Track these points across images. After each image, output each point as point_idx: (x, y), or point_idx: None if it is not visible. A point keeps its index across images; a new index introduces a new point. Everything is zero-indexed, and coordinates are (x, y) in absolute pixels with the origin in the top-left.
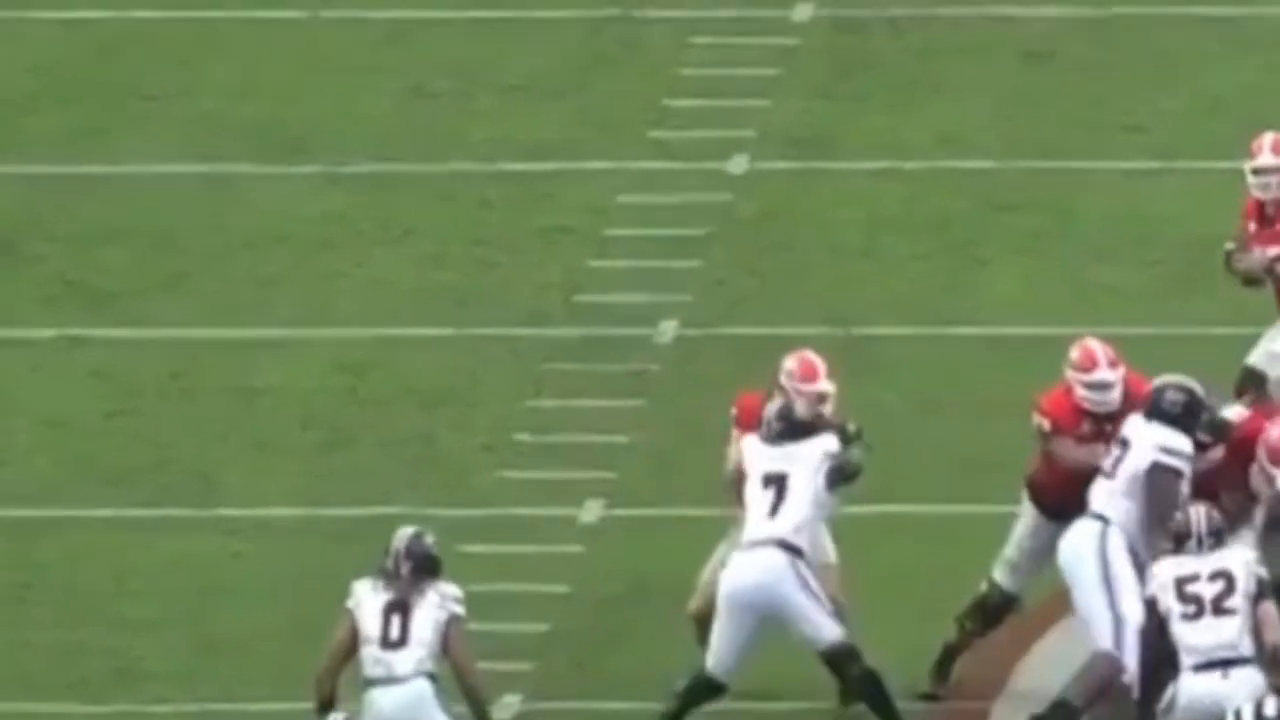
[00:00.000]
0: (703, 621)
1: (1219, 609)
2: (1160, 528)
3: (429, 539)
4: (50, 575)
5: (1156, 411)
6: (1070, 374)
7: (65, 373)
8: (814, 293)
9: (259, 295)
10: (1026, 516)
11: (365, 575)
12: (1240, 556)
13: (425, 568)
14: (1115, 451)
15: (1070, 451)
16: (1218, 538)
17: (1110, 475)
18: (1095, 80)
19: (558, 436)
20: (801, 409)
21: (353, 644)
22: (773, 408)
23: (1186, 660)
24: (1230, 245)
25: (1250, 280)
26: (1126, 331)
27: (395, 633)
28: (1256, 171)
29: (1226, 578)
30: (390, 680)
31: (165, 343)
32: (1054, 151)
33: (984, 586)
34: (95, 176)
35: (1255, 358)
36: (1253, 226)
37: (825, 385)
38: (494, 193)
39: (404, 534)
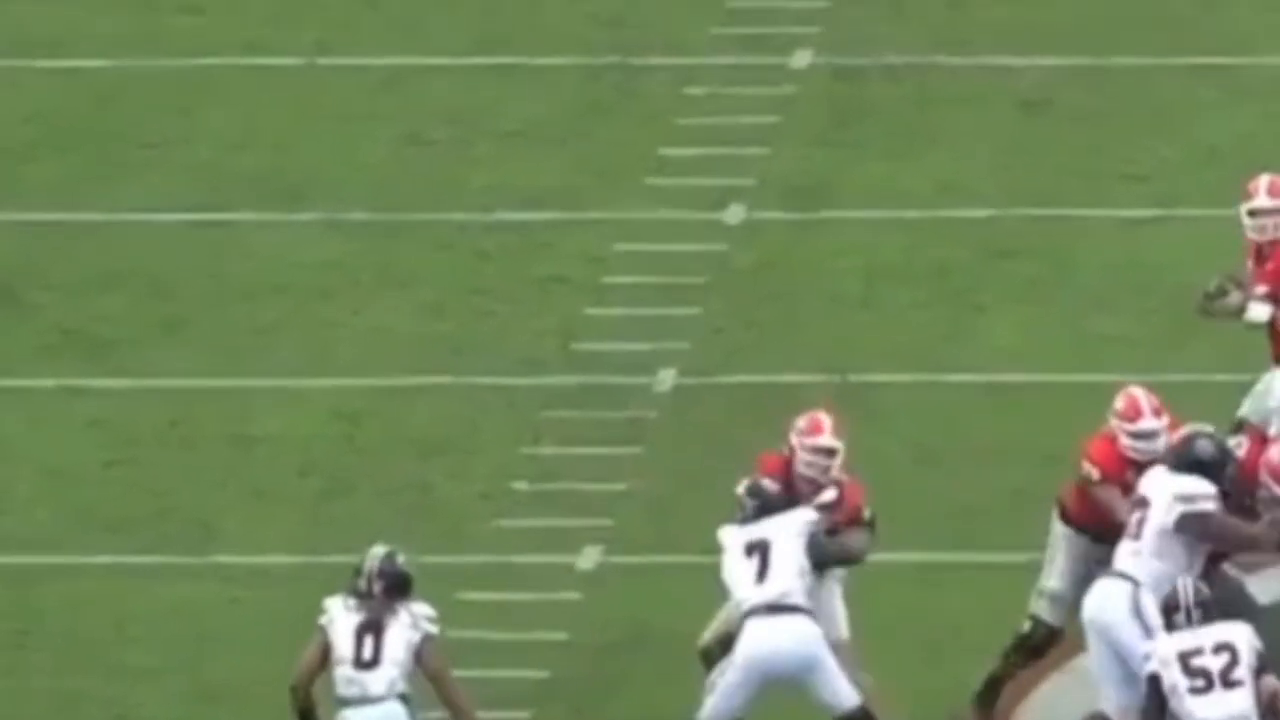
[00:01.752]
0: (709, 659)
1: (1227, 681)
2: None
3: (401, 559)
4: (49, 623)
5: (1186, 461)
6: (1115, 423)
7: (64, 422)
8: (812, 341)
9: (257, 343)
10: (1063, 544)
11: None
12: (1240, 631)
13: (398, 587)
14: (1136, 513)
15: (1117, 502)
16: (1205, 610)
17: (1136, 536)
18: (1093, 129)
19: (555, 484)
20: (803, 467)
21: (323, 660)
22: (742, 488)
23: None
24: (1210, 287)
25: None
26: (1125, 379)
27: (368, 653)
28: (1253, 214)
29: (1230, 650)
30: (364, 700)
31: (164, 391)
32: (1052, 200)
33: (1026, 626)
34: (93, 224)
35: (1246, 409)
36: (1250, 265)
37: (828, 440)
38: (491, 241)
39: (376, 554)
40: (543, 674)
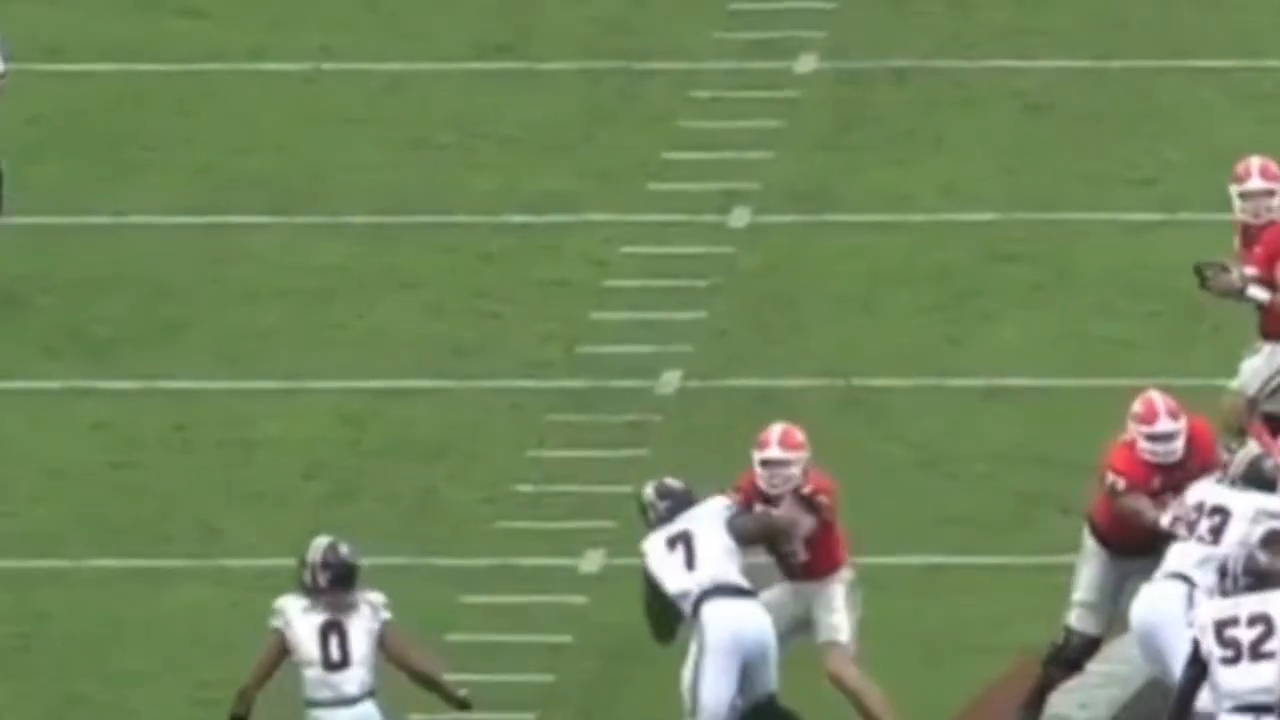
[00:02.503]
0: None
1: (1256, 653)
2: None
3: (344, 548)
4: (51, 625)
5: (1255, 478)
6: (1132, 427)
7: (67, 424)
8: (815, 344)
9: (260, 346)
10: (1093, 557)
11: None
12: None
13: (343, 577)
14: (1206, 520)
15: (1146, 510)
16: (1255, 579)
17: (1208, 542)
18: (1096, 132)
19: (559, 487)
20: (760, 481)
21: (278, 662)
22: (649, 490)
23: (1224, 704)
24: (1206, 268)
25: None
26: (1128, 383)
27: (336, 654)
28: (1244, 196)
29: (1265, 622)
30: (340, 702)
31: (167, 394)
32: (1055, 203)
33: (1061, 637)
34: (97, 227)
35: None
36: (1237, 242)
37: (772, 453)
38: (495, 244)
39: (319, 545)
40: (547, 677)
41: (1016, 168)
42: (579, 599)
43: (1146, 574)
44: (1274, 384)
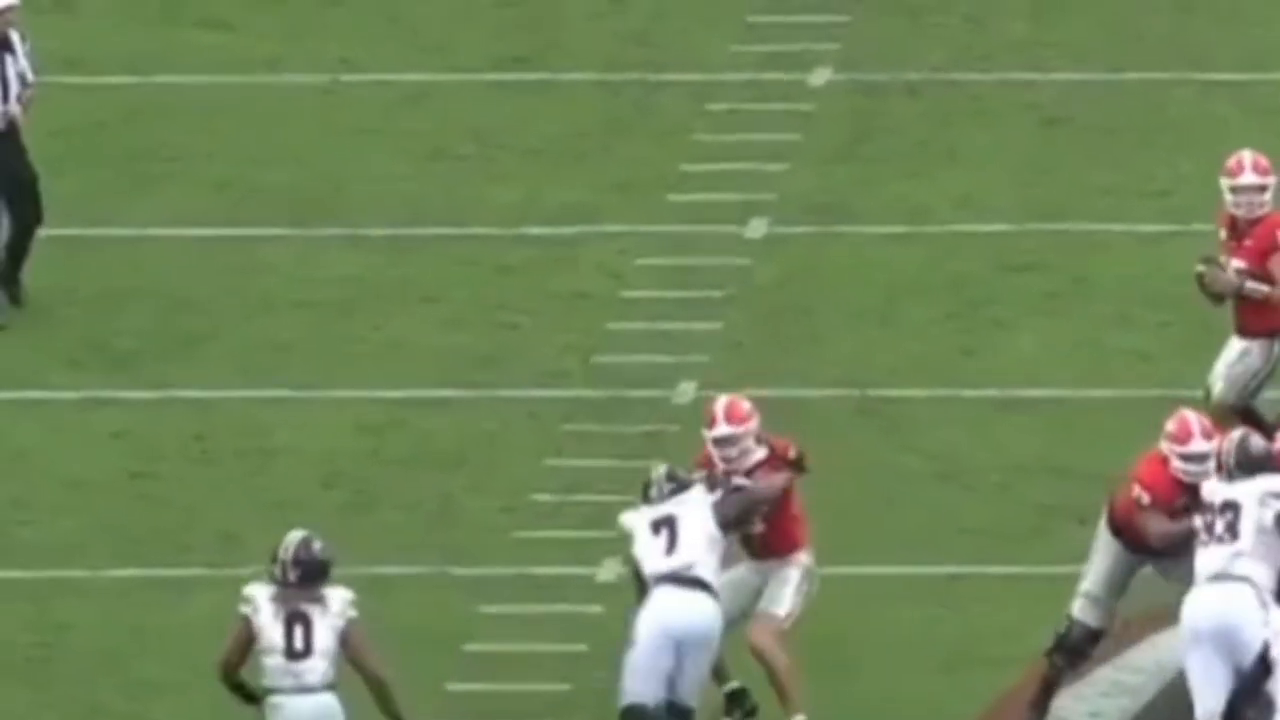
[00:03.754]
0: None
1: None
2: None
3: (317, 545)
4: (71, 635)
5: (1249, 462)
6: (1166, 445)
7: (87, 434)
8: (832, 355)
9: (279, 357)
10: (1106, 549)
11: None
12: None
13: (313, 573)
14: (1221, 519)
15: (1163, 526)
16: None
17: (1229, 539)
18: (1111, 144)
19: (576, 496)
20: (717, 461)
21: (247, 649)
22: (662, 470)
23: None
24: (1200, 266)
25: (1220, 300)
26: (1143, 394)
27: (299, 644)
28: (1235, 190)
29: None
30: (300, 690)
31: (187, 404)
32: (1071, 215)
33: (1063, 625)
34: (117, 239)
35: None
36: (1223, 234)
37: (720, 430)
38: (514, 256)
39: (292, 540)
40: (564, 686)
41: (1031, 179)
42: (595, 608)
43: (1160, 572)
44: (1251, 387)
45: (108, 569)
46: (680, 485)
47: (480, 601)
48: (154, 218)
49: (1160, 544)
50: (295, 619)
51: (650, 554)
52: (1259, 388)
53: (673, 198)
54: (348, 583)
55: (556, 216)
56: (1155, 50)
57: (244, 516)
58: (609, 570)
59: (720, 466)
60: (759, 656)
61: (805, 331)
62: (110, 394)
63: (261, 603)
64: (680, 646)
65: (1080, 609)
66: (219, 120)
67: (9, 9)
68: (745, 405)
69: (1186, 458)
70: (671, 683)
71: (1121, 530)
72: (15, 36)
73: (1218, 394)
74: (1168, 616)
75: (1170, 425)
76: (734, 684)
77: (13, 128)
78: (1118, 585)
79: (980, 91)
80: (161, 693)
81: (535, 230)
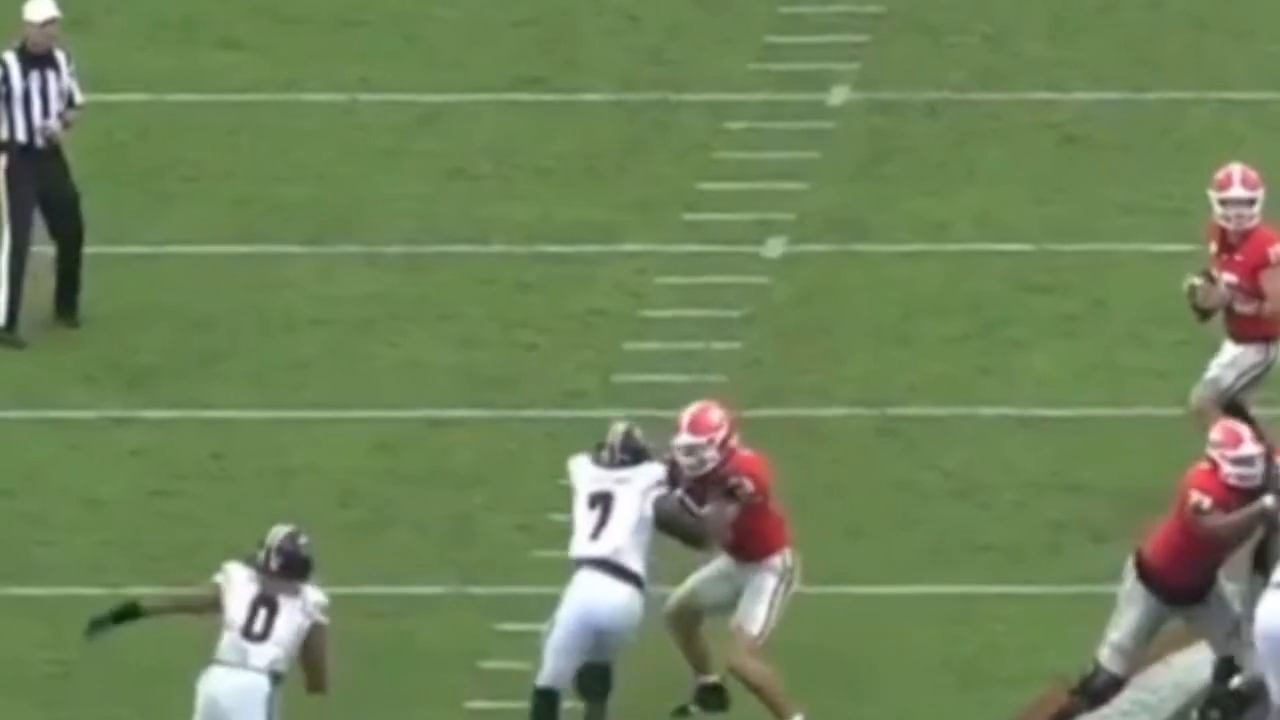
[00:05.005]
0: (675, 628)
1: None
2: None
3: (303, 540)
4: (91, 654)
5: None
6: (1215, 453)
7: (105, 452)
8: (850, 374)
9: (297, 375)
10: (1137, 601)
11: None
12: None
13: (293, 567)
14: None
15: (1227, 519)
16: None
17: None
18: (1128, 163)
19: None
20: (682, 467)
21: (200, 609)
22: (621, 430)
23: None
24: (1195, 280)
25: (1207, 315)
26: (1160, 413)
27: (259, 626)
28: (1224, 203)
29: None
30: (241, 666)
31: (205, 423)
32: (1089, 234)
33: (1090, 668)
34: (135, 257)
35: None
36: (1213, 247)
37: (682, 439)
38: (532, 274)
39: (279, 532)
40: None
41: (1049, 198)
42: None
43: (1189, 622)
44: (1249, 377)
45: (126, 587)
46: (634, 456)
47: (498, 620)
48: (172, 236)
49: (1233, 536)
50: (263, 602)
51: (579, 532)
52: (1254, 380)
53: (691, 217)
54: (365, 601)
55: (574, 235)
56: (1173, 69)
57: (261, 534)
58: None
59: (684, 472)
60: (736, 675)
61: (823, 350)
62: (128, 412)
63: (236, 579)
64: (600, 635)
65: (1108, 658)
66: (237, 139)
67: (50, 21)
68: (714, 416)
69: (1238, 461)
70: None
71: (1159, 572)
72: (61, 56)
73: (1213, 375)
74: (1186, 637)
75: (1216, 434)
76: (713, 678)
77: (55, 146)
78: (1146, 636)
79: (999, 111)
80: (181, 712)
81: (553, 249)
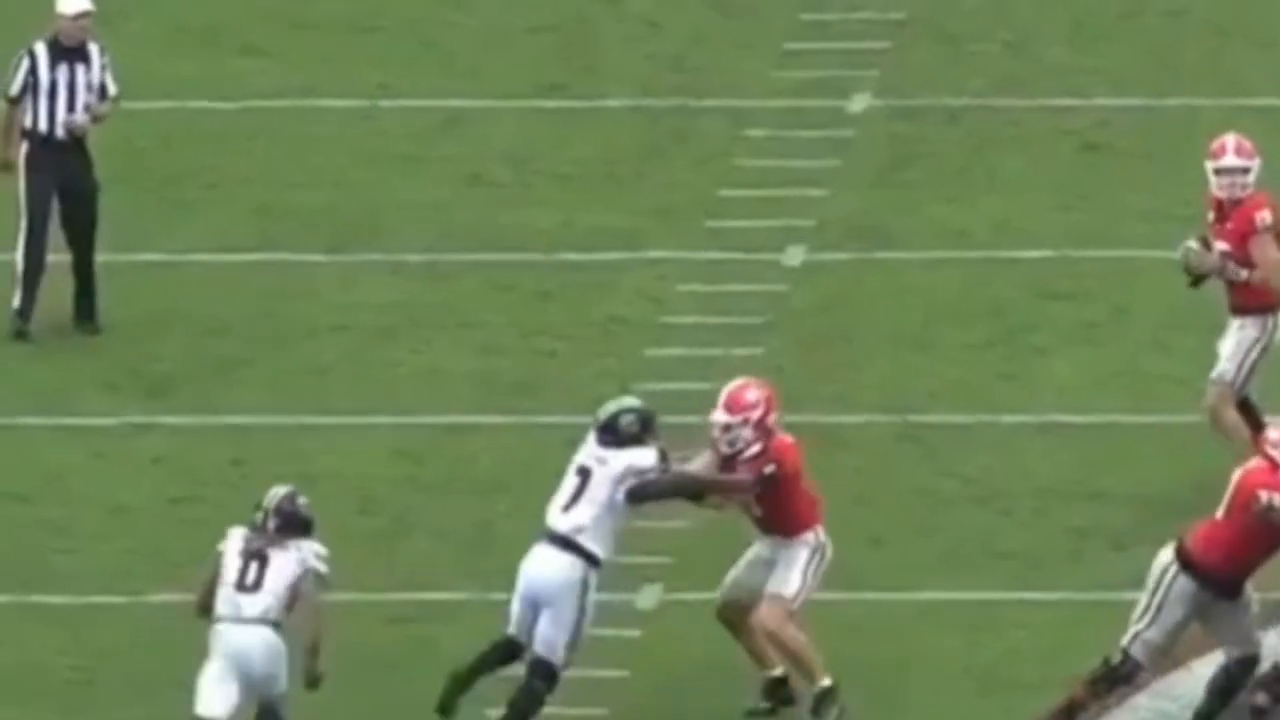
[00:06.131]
0: (728, 624)
1: None
2: None
3: (301, 500)
4: (112, 661)
5: None
6: (1276, 452)
7: (127, 459)
8: (870, 381)
9: (318, 382)
10: (1184, 598)
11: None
12: None
13: (291, 526)
14: None
15: None
16: None
17: None
18: (1149, 170)
19: None
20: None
21: (215, 587)
22: (611, 409)
23: None
24: (1191, 244)
25: (1199, 280)
26: (1182, 420)
27: (251, 578)
28: (1218, 172)
29: None
30: (237, 620)
31: (225, 430)
32: (1109, 240)
33: (1116, 657)
34: (156, 264)
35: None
36: (1210, 216)
37: (717, 417)
38: (551, 282)
39: (277, 493)
40: (602, 711)
41: (1070, 205)
42: (634, 633)
43: (1207, 617)
44: (1251, 360)
45: (148, 594)
46: (616, 438)
47: None
48: (192, 243)
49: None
50: (254, 556)
51: (556, 498)
52: (1257, 361)
53: (711, 224)
54: (385, 608)
55: (594, 242)
56: (1192, 76)
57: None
58: (648, 596)
59: (720, 450)
60: (768, 638)
61: (844, 357)
62: (149, 419)
63: (234, 541)
64: (534, 602)
65: (1137, 648)
66: (257, 145)
67: (83, 15)
68: (750, 395)
69: None
70: (531, 636)
71: (1212, 563)
72: (94, 48)
73: (1218, 371)
74: (1207, 643)
75: (1273, 433)
76: (777, 671)
77: (77, 139)
78: (1178, 632)
79: (1019, 117)
80: None
81: (573, 256)
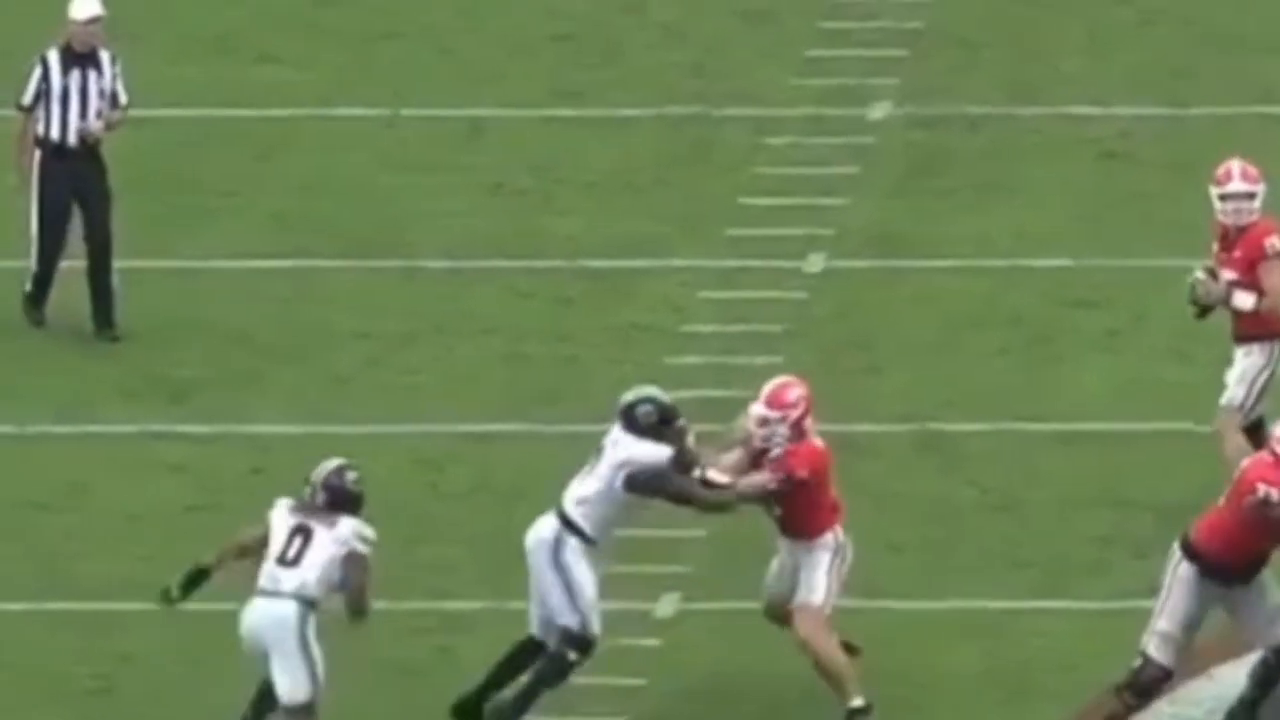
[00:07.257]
0: (777, 621)
1: None
2: None
3: (350, 475)
4: (132, 668)
5: None
6: (1279, 446)
7: (146, 467)
8: (891, 389)
9: (338, 390)
10: (1184, 586)
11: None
12: None
13: (339, 501)
14: None
15: None
16: None
17: None
18: (1170, 179)
19: (635, 531)
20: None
21: (254, 547)
22: (658, 405)
23: None
24: (1199, 274)
25: (1205, 311)
26: (1202, 429)
27: (293, 552)
28: (1224, 198)
29: None
30: (274, 594)
31: (245, 437)
32: (1130, 249)
33: (1138, 662)
34: (174, 271)
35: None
36: (1215, 246)
37: (756, 410)
38: (573, 289)
39: (326, 466)
40: (622, 719)
41: (1091, 214)
42: (653, 642)
43: (1229, 610)
44: (1260, 385)
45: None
46: (629, 425)
47: None
48: (212, 250)
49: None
50: (299, 531)
51: (573, 479)
52: (1266, 385)
53: (732, 231)
54: (407, 617)
55: (615, 250)
56: (1214, 84)
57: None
58: (667, 605)
59: (755, 443)
60: (803, 648)
61: (864, 365)
62: (168, 427)
63: (281, 511)
64: (533, 574)
65: (1155, 647)
66: (277, 153)
67: (94, 20)
68: (792, 394)
69: None
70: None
71: (1213, 554)
72: (105, 56)
73: (1226, 398)
74: (1229, 649)
75: (1278, 429)
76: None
77: (90, 146)
78: (1195, 624)
79: (1040, 125)
80: None
81: (594, 264)
